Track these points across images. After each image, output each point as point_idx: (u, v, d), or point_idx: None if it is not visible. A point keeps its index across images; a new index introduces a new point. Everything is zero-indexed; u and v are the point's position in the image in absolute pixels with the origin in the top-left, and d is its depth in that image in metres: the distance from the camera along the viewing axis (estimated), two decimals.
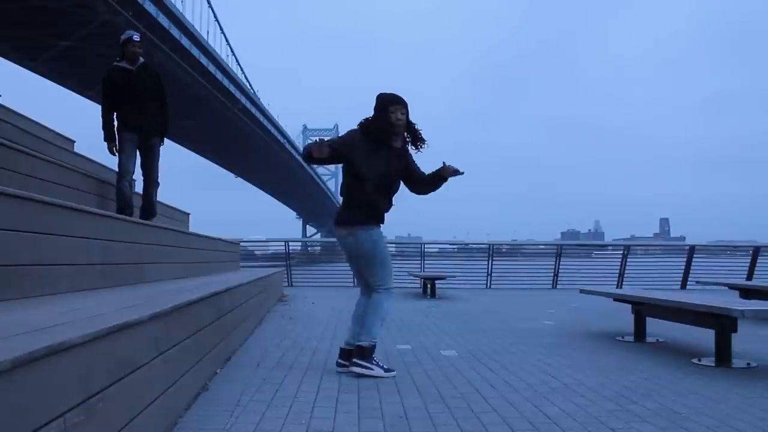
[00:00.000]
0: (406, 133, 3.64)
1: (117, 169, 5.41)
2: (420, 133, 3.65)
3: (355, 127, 3.60)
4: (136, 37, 5.49)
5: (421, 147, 3.68)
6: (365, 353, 3.43)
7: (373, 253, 3.56)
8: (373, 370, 3.39)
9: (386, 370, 3.42)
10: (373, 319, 3.52)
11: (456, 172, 3.67)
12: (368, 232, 3.54)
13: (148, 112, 5.43)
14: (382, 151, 3.54)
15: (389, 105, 3.54)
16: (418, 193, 3.79)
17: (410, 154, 3.73)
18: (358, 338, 3.50)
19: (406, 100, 3.59)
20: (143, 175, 5.55)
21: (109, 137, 5.36)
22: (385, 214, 3.67)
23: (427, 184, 3.74)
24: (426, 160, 3.79)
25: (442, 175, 3.66)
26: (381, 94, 3.60)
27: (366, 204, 3.55)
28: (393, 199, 3.70)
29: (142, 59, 5.49)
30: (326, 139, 3.54)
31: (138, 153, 5.47)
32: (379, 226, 3.63)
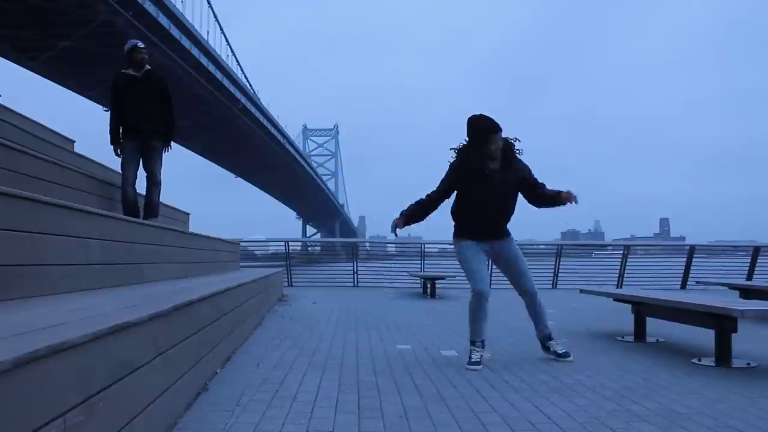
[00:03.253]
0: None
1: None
2: (512, 152, 3.91)
3: (452, 158, 3.93)
4: (141, 44, 5.72)
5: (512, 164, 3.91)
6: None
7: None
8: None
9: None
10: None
11: (571, 200, 3.91)
12: (457, 243, 4.00)
13: (148, 116, 5.57)
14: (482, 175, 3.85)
15: (490, 134, 3.79)
16: (535, 205, 4.03)
17: (523, 167, 3.93)
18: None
19: (499, 125, 3.83)
20: (147, 177, 5.69)
21: (113, 140, 5.58)
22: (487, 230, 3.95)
23: (543, 198, 3.97)
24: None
25: (559, 198, 3.92)
26: (476, 120, 3.82)
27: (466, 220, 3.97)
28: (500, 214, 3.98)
29: (148, 66, 5.69)
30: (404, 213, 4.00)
31: (140, 156, 5.63)
32: (474, 239, 3.93)
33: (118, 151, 5.58)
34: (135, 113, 5.51)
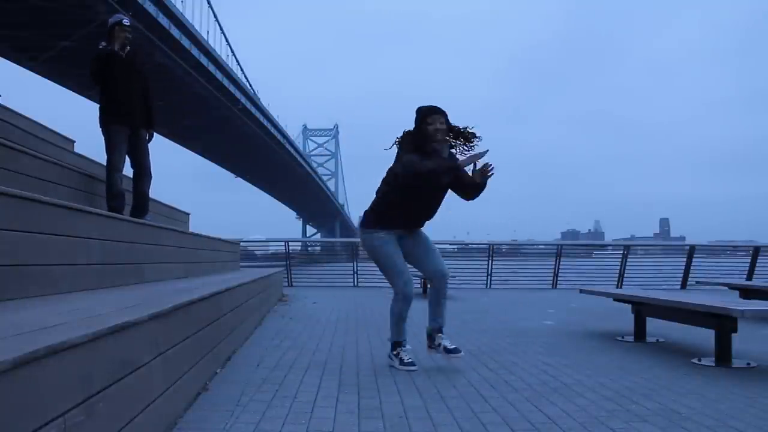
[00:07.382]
0: (453, 139, 3.65)
1: (106, 165, 5.10)
2: (466, 133, 3.64)
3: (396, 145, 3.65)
4: (126, 21, 5.12)
5: (471, 145, 3.64)
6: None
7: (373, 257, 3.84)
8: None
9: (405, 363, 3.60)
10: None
11: (479, 168, 3.60)
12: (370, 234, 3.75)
13: (137, 102, 5.16)
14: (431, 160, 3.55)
15: (427, 117, 3.56)
16: (468, 198, 3.83)
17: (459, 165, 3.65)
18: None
19: (443, 110, 3.61)
20: (134, 169, 5.26)
21: (109, 120, 5.01)
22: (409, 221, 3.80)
23: (472, 188, 3.72)
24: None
25: (476, 182, 3.63)
26: (419, 107, 3.62)
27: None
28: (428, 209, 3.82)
29: (128, 47, 5.12)
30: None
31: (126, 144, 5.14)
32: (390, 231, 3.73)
33: (112, 134, 5.01)
34: (126, 99, 5.01)
